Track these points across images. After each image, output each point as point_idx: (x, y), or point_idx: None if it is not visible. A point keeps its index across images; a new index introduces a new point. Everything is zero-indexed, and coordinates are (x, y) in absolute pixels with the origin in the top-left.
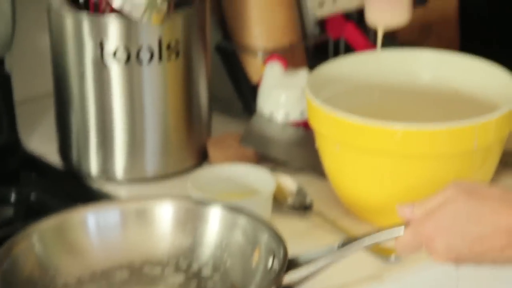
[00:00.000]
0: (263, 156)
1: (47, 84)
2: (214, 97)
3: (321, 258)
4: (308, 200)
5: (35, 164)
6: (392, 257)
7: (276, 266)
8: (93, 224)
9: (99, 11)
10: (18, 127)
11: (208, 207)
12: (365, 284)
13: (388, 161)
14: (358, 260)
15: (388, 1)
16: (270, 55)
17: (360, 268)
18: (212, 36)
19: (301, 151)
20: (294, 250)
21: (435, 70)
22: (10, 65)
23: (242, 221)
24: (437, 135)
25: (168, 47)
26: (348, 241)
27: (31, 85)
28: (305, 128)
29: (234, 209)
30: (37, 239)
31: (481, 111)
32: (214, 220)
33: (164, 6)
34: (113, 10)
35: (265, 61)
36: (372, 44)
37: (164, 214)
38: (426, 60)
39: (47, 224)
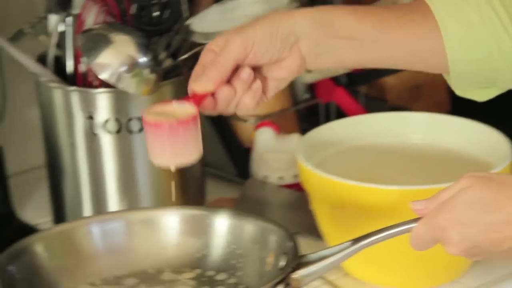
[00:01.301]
0: None
1: (39, 156)
2: (207, 163)
3: (333, 254)
4: None
5: (30, 234)
6: None
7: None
8: (98, 232)
9: (87, 83)
10: (11, 199)
11: (214, 214)
12: None
13: (383, 221)
14: None
15: (172, 144)
16: (262, 121)
17: None
18: None
19: (297, 213)
20: None
21: (426, 131)
22: (2, 139)
23: (250, 225)
24: (432, 194)
25: None
26: (361, 238)
27: (23, 158)
28: (299, 190)
29: (241, 215)
30: (42, 247)
31: (475, 170)
32: (222, 227)
33: (153, 77)
34: (101, 82)
35: (256, 127)
36: (362, 107)
37: (171, 222)
38: (417, 121)
39: (52, 232)
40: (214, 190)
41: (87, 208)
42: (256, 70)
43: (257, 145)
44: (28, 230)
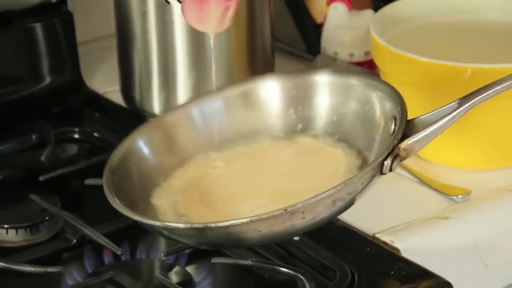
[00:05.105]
0: None
1: (109, 24)
2: (277, 38)
3: (440, 120)
4: None
5: (98, 103)
6: (459, 196)
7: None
8: (198, 115)
9: None
10: (80, 67)
11: (315, 75)
12: (430, 223)
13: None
14: (423, 198)
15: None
16: None
17: (426, 207)
18: None
19: None
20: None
21: (505, 8)
22: (72, 6)
23: (354, 82)
24: (508, 73)
25: None
26: (467, 97)
27: (93, 25)
28: (369, 68)
29: (343, 73)
30: (144, 143)
31: None
32: (323, 88)
33: None
34: None
35: (329, 2)
36: None
37: (270, 91)
38: None
39: (149, 127)
40: (283, 66)
41: (155, 78)
42: None
43: (329, 21)
44: (96, 98)
